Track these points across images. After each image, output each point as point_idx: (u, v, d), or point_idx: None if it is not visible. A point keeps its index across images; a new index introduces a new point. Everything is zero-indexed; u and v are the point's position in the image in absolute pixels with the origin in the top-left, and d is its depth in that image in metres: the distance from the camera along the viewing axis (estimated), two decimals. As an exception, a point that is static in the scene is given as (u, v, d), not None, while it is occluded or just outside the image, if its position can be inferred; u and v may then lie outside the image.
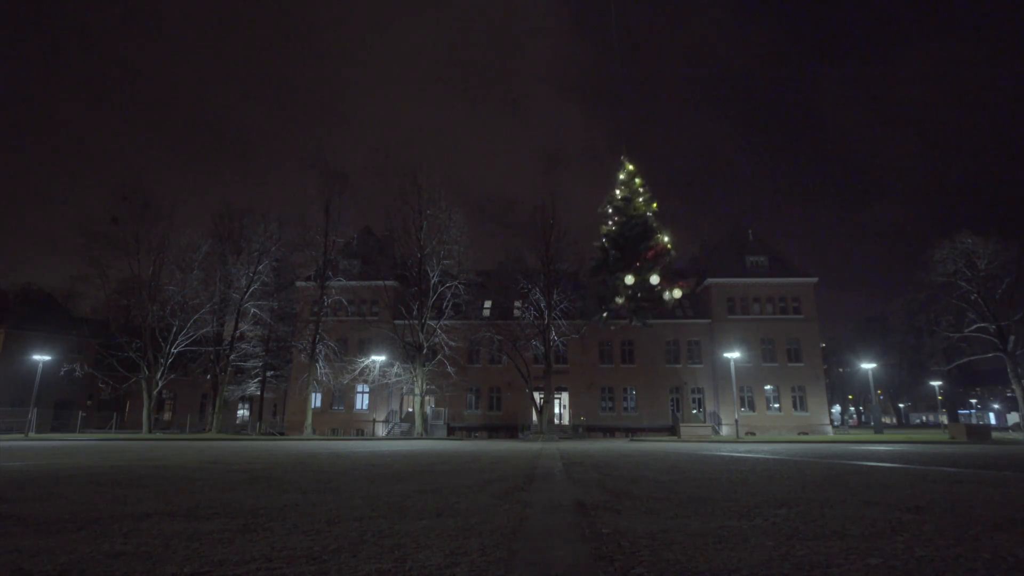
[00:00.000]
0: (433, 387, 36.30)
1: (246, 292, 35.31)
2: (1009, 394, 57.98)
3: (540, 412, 35.03)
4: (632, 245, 2.86)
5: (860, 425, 68.42)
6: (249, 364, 38.12)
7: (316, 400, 38.31)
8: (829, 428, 38.81)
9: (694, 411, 40.07)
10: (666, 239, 2.79)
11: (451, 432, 37.64)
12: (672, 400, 40.28)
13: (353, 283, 38.65)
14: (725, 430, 38.04)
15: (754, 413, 39.00)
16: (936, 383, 50.65)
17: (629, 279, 2.83)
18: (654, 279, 2.76)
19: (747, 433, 35.37)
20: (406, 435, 35.49)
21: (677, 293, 2.94)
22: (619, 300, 2.96)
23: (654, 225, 2.94)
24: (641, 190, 3.01)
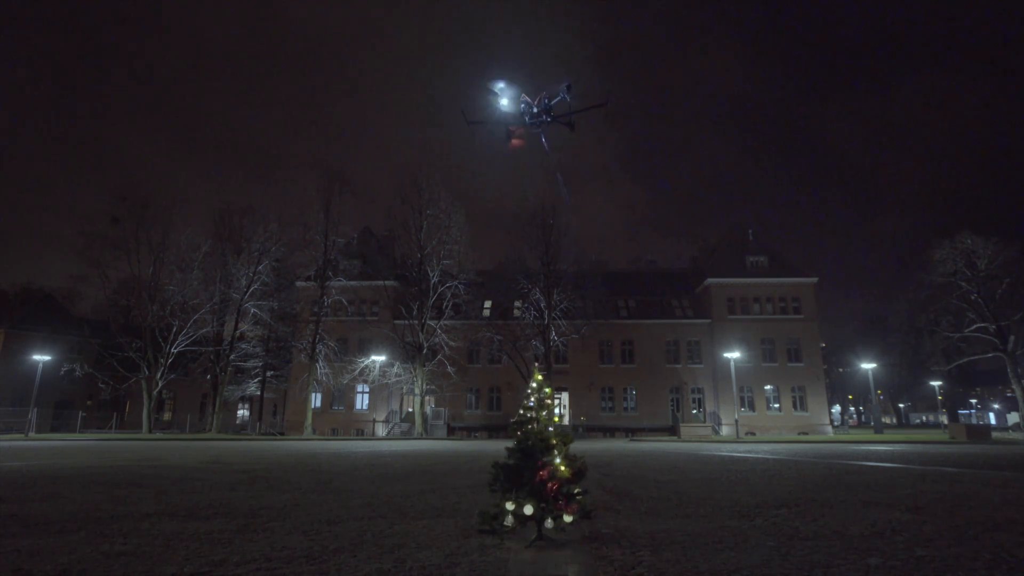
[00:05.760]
0: (433, 387, 36.28)
1: (246, 292, 35.27)
2: (1009, 394, 57.93)
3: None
4: (524, 465, 2.53)
5: (860, 425, 68.33)
6: (249, 364, 38.08)
7: (316, 400, 38.25)
8: (829, 428, 38.77)
9: (694, 411, 40.04)
10: (558, 461, 2.44)
11: (451, 432, 37.60)
12: (672, 400, 40.24)
13: (353, 283, 38.61)
14: (725, 430, 38.00)
15: (754, 413, 38.97)
16: (936, 383, 50.56)
17: (509, 504, 2.51)
18: (527, 509, 2.43)
19: (747, 433, 35.34)
20: (406, 435, 35.47)
21: (567, 518, 2.64)
22: (507, 523, 2.60)
23: (553, 442, 2.64)
24: (548, 402, 2.74)
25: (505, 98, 7.76)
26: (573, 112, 8.04)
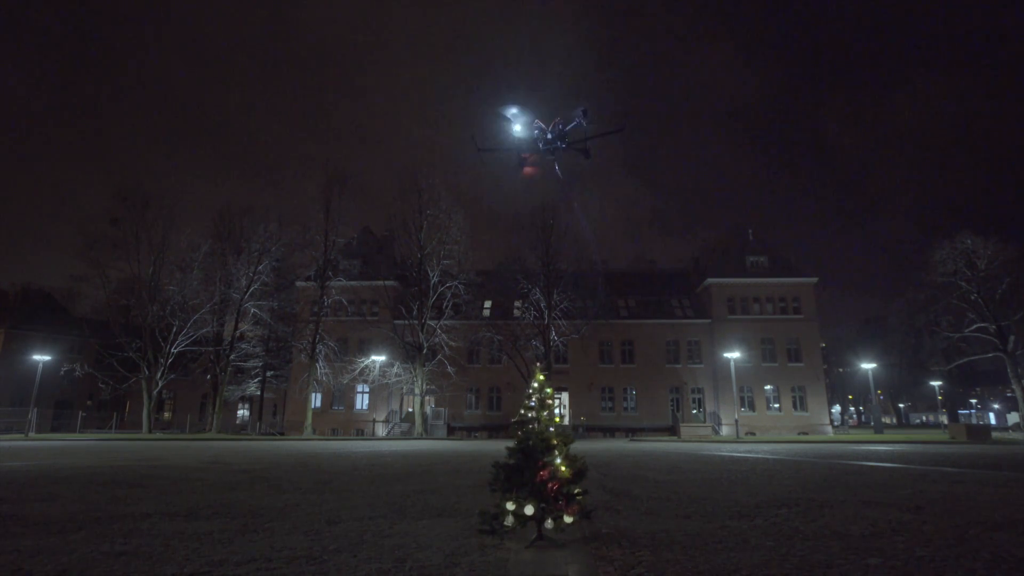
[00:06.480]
0: (433, 387, 36.26)
1: (246, 292, 35.25)
2: (1009, 394, 57.89)
3: (540, 412, 34.91)
4: (524, 464, 2.52)
5: (860, 425, 68.32)
6: (249, 364, 38.06)
7: (316, 400, 38.23)
8: (829, 428, 38.76)
9: (694, 411, 40.02)
10: (559, 461, 2.42)
11: (451, 432, 37.60)
12: (672, 400, 40.22)
13: (353, 283, 38.58)
14: (725, 430, 37.99)
15: (754, 413, 38.95)
16: (936, 383, 50.54)
17: (509, 504, 2.52)
18: (528, 509, 2.43)
19: (747, 433, 35.32)
20: (406, 435, 35.46)
21: (568, 518, 2.65)
22: (507, 523, 2.59)
23: (554, 442, 2.62)
24: (548, 402, 2.73)
25: (518, 124, 7.58)
26: (589, 138, 7.86)
